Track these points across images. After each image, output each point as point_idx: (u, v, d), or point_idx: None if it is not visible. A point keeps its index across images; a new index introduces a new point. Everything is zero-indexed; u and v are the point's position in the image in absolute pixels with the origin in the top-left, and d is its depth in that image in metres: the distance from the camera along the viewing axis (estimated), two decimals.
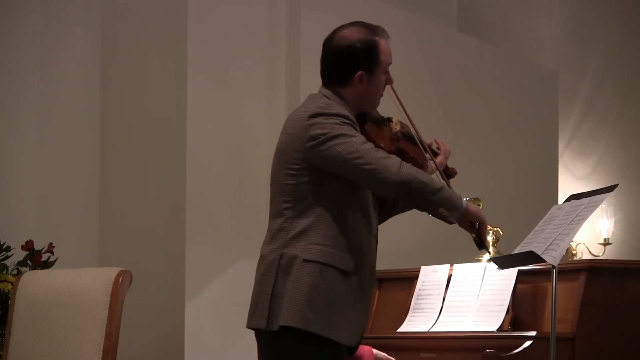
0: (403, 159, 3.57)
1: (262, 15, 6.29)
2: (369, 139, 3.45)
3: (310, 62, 6.32)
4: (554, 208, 4.09)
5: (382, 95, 3.55)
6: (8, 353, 3.81)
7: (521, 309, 4.51)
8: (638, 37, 8.75)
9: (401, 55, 6.90)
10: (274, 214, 3.43)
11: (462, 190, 6.13)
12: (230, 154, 6.10)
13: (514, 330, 4.44)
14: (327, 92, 3.47)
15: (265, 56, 6.29)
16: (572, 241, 7.07)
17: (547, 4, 8.53)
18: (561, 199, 7.54)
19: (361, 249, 3.39)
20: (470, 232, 3.46)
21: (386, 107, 3.62)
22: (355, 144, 3.31)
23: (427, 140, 3.67)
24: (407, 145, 3.57)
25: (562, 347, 4.18)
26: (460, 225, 3.43)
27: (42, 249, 5.28)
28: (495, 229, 5.19)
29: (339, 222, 3.36)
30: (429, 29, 7.04)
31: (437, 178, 3.54)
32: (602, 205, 7.45)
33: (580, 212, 3.87)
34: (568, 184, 8.27)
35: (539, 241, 3.87)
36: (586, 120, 8.68)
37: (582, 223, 3.83)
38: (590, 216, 3.91)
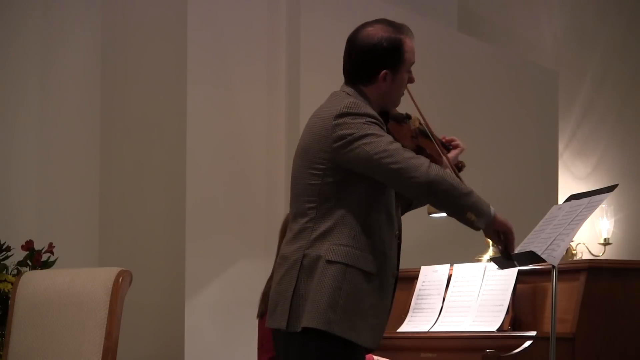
0: (421, 155, 3.56)
1: (262, 17, 6.29)
2: (392, 137, 3.43)
3: (310, 63, 6.33)
4: (554, 208, 4.09)
5: (403, 94, 3.51)
6: (8, 353, 3.81)
7: (521, 309, 4.51)
8: (638, 37, 8.75)
9: None
10: (297, 214, 3.38)
11: None
12: (230, 154, 6.10)
13: (514, 330, 4.45)
14: (351, 90, 3.43)
15: (266, 58, 6.28)
16: (572, 241, 7.07)
17: (547, 4, 8.53)
18: (561, 199, 7.54)
19: (384, 250, 3.36)
20: (497, 244, 3.41)
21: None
22: (383, 143, 3.27)
23: (439, 136, 3.66)
24: (425, 142, 3.54)
25: (562, 347, 4.18)
26: (486, 234, 3.37)
27: (42, 249, 5.28)
28: None
29: (363, 223, 3.32)
30: (429, 29, 7.03)
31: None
32: (602, 205, 7.45)
33: (580, 212, 3.87)
34: (568, 184, 8.27)
35: (539, 241, 3.87)
36: (586, 120, 8.68)
37: (582, 223, 3.83)
38: (590, 216, 3.91)
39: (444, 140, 3.65)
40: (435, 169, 3.26)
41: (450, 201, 3.29)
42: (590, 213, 3.86)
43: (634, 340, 4.42)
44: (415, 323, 4.79)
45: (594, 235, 8.35)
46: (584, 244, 8.29)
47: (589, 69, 8.68)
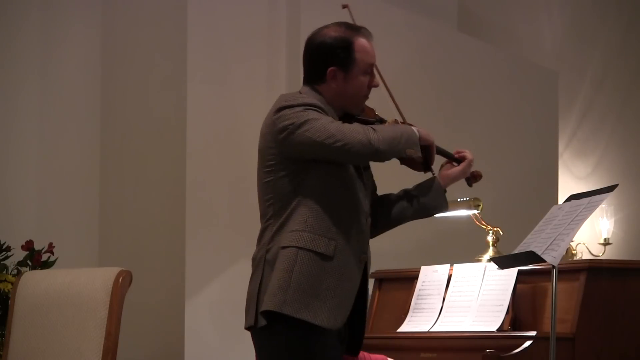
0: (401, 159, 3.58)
1: (262, 15, 6.29)
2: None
3: None
4: (554, 208, 4.09)
5: (366, 97, 3.55)
6: (8, 353, 3.81)
7: (521, 309, 4.51)
8: (638, 37, 8.75)
9: (401, 55, 6.92)
10: (261, 216, 3.48)
11: (462, 190, 6.16)
12: (230, 154, 6.10)
13: (514, 330, 4.45)
14: (305, 89, 3.52)
15: (265, 57, 6.28)
16: (572, 241, 7.07)
17: (547, 4, 8.53)
18: (561, 199, 7.54)
19: (344, 233, 3.40)
20: (419, 159, 3.52)
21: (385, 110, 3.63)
22: (322, 125, 3.35)
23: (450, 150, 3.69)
24: None
25: (562, 347, 4.18)
26: (411, 151, 3.47)
27: (42, 249, 5.28)
28: (495, 229, 5.19)
29: (317, 207, 3.38)
30: (429, 29, 7.03)
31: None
32: (602, 205, 7.45)
33: (580, 212, 3.87)
34: (568, 184, 8.27)
35: (539, 241, 3.87)
36: (586, 120, 8.68)
37: (582, 223, 3.83)
38: (590, 216, 3.91)
39: (455, 154, 3.67)
40: (373, 135, 3.36)
41: (394, 151, 3.41)
42: (590, 213, 3.86)
43: (634, 341, 4.42)
44: (415, 323, 4.79)
45: (594, 235, 8.35)
46: (584, 244, 8.29)
47: (589, 69, 8.67)
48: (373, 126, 3.43)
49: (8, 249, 5.26)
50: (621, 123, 8.72)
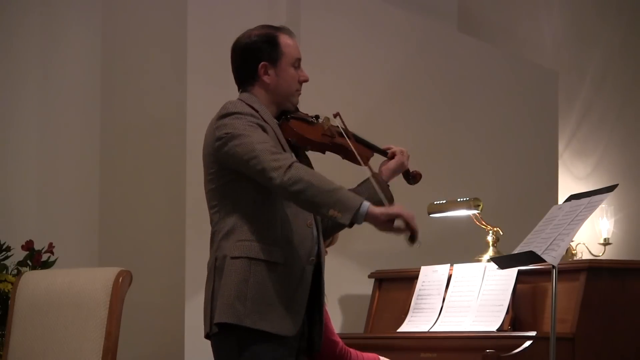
0: (340, 154, 3.58)
1: (263, 15, 6.28)
2: (296, 134, 3.50)
3: (309, 63, 6.31)
4: (554, 208, 4.10)
5: (298, 92, 3.60)
6: (8, 353, 3.81)
7: (521, 309, 4.52)
8: (638, 37, 8.75)
9: (401, 55, 6.91)
10: (210, 222, 3.56)
11: (462, 190, 6.15)
12: None
13: (514, 330, 4.45)
14: (243, 95, 3.57)
15: None
16: (572, 241, 7.07)
17: (547, 4, 8.53)
18: (561, 199, 7.54)
19: (290, 240, 3.43)
20: (402, 233, 3.35)
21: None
22: (251, 144, 3.35)
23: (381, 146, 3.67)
24: (342, 140, 3.57)
25: (562, 347, 4.18)
26: (384, 229, 3.32)
27: (42, 249, 5.28)
28: (495, 229, 5.19)
29: (263, 216, 3.41)
30: (429, 29, 7.03)
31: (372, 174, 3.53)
32: (602, 205, 7.44)
33: (580, 212, 3.87)
34: (568, 184, 8.26)
35: (539, 241, 3.88)
36: (586, 120, 8.67)
37: (582, 223, 3.84)
38: (590, 216, 3.92)
39: (386, 148, 3.66)
40: (294, 170, 3.28)
41: (310, 200, 3.27)
42: (590, 213, 3.86)
43: (634, 341, 4.42)
44: (415, 323, 4.80)
45: (594, 235, 8.34)
46: (584, 244, 8.28)
47: (589, 69, 8.67)
48: (309, 170, 3.33)
49: (8, 249, 5.26)
50: (621, 123, 8.72)
